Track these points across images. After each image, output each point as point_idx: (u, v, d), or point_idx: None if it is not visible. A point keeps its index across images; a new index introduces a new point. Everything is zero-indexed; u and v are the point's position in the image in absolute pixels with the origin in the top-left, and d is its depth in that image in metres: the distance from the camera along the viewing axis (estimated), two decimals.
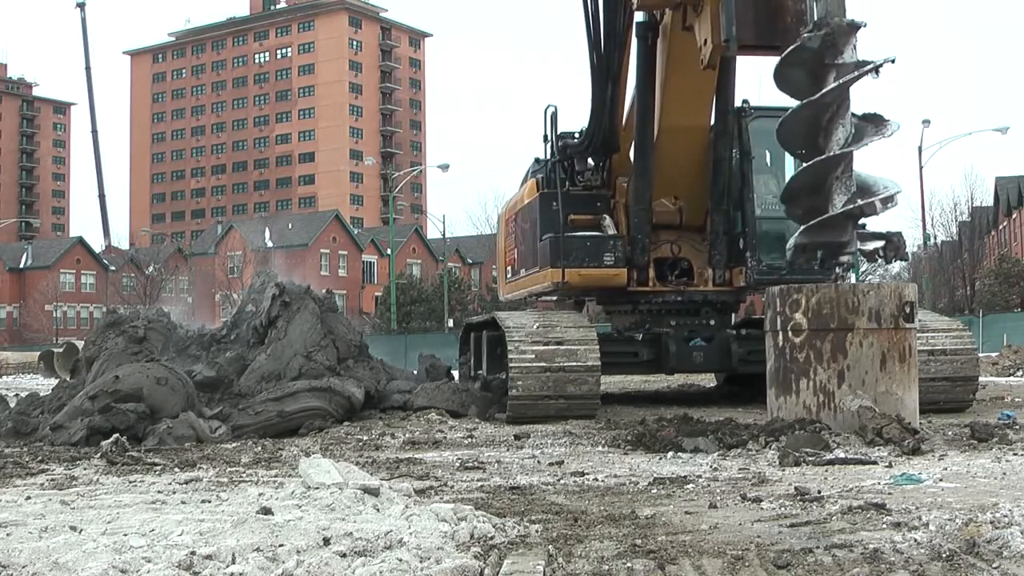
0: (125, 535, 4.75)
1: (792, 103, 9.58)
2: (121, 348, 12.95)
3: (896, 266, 64.61)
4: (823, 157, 9.14)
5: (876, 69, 9.10)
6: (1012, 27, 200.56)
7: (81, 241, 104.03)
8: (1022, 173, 71.31)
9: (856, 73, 9.07)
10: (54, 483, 7.29)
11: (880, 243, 9.58)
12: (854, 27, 9.12)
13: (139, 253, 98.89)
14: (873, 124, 9.36)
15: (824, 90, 9.03)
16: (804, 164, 9.64)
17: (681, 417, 10.65)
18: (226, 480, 7.18)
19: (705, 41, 10.66)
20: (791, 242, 9.55)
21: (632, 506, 5.88)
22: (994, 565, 4.21)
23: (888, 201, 9.30)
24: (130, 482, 7.26)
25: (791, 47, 9.31)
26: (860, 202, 9.09)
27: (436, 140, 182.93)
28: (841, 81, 9.02)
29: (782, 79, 9.52)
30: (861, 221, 9.60)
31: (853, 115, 9.34)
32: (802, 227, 9.41)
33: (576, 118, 14.35)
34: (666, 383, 18.90)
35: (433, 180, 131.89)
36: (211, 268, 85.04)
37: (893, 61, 9.17)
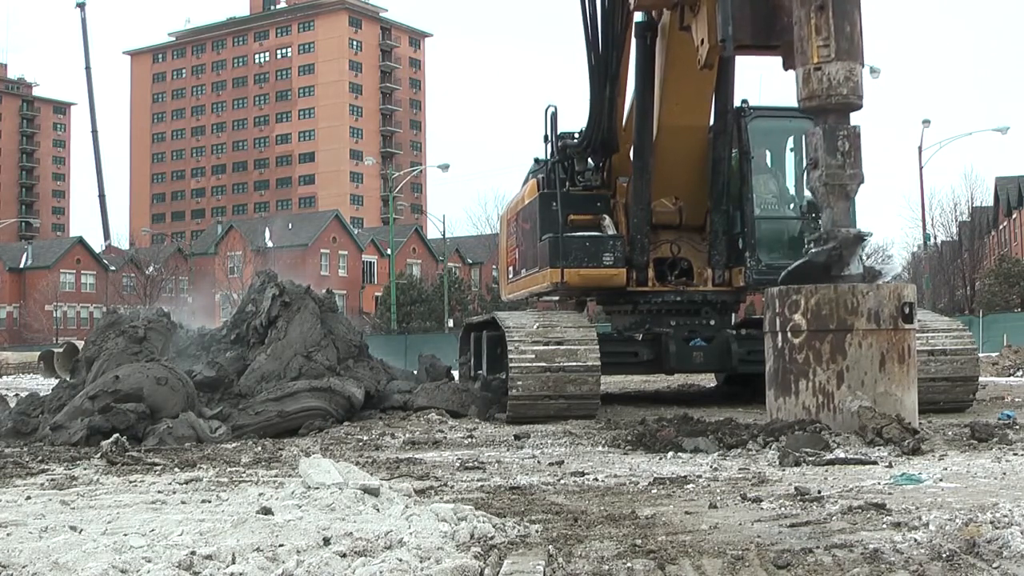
0: (125, 535, 4.74)
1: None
2: (121, 348, 12.94)
3: (896, 266, 64.74)
4: None
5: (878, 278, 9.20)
6: (1012, 27, 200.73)
7: (81, 241, 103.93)
8: (1022, 173, 71.47)
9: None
10: (54, 483, 7.28)
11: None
12: (860, 238, 9.19)
13: (139, 253, 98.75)
14: None
15: None
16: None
17: (681, 417, 10.64)
18: (226, 480, 7.17)
19: (702, 41, 10.66)
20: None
21: (632, 506, 5.87)
22: (994, 565, 4.21)
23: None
24: (130, 482, 7.25)
25: (798, 262, 9.35)
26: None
27: (436, 140, 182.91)
28: None
29: None
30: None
31: None
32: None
33: (576, 118, 14.38)
34: (666, 383, 18.90)
35: (433, 180, 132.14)
36: (211, 268, 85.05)
37: (899, 275, 9.25)
